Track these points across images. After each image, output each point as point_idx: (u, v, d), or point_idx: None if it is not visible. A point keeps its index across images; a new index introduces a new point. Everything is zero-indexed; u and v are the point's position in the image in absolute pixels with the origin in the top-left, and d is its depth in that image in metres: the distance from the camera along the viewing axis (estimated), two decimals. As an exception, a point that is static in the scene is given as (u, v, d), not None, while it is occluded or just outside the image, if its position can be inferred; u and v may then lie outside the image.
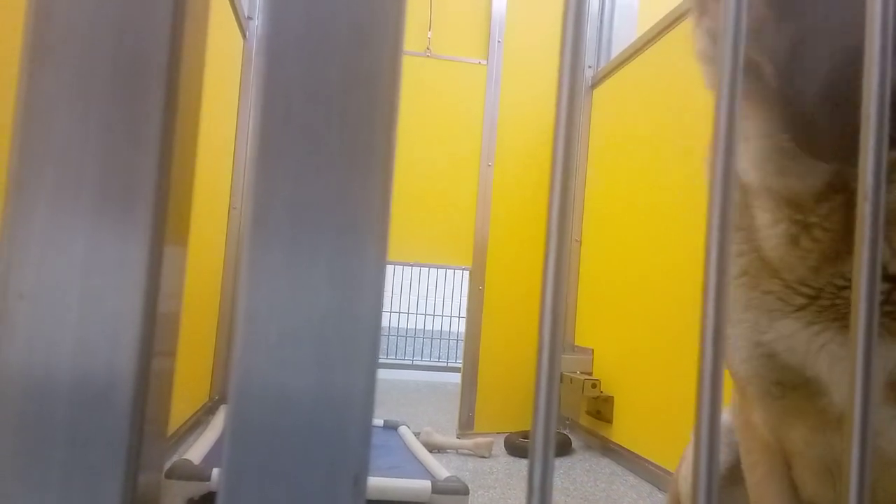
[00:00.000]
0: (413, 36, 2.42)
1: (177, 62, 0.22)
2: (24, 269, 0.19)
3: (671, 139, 1.91)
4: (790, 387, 0.66)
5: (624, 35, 2.52)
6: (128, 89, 0.20)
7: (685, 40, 1.88)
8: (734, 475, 0.89)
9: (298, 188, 0.20)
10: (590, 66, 2.58)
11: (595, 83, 2.54)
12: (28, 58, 0.19)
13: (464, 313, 2.47)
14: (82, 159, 0.20)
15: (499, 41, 2.45)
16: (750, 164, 0.64)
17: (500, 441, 2.17)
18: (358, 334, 0.20)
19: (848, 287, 0.61)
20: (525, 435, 2.17)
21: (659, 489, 1.77)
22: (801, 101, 0.53)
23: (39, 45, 0.19)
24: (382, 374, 3.97)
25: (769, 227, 0.63)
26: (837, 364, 0.61)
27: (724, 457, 0.89)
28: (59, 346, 0.20)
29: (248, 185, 0.21)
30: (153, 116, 0.21)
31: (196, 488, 1.32)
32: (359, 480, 0.19)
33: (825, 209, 0.60)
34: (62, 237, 0.20)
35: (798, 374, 0.64)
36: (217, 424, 1.82)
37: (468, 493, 1.44)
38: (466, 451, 2.08)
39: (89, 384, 0.21)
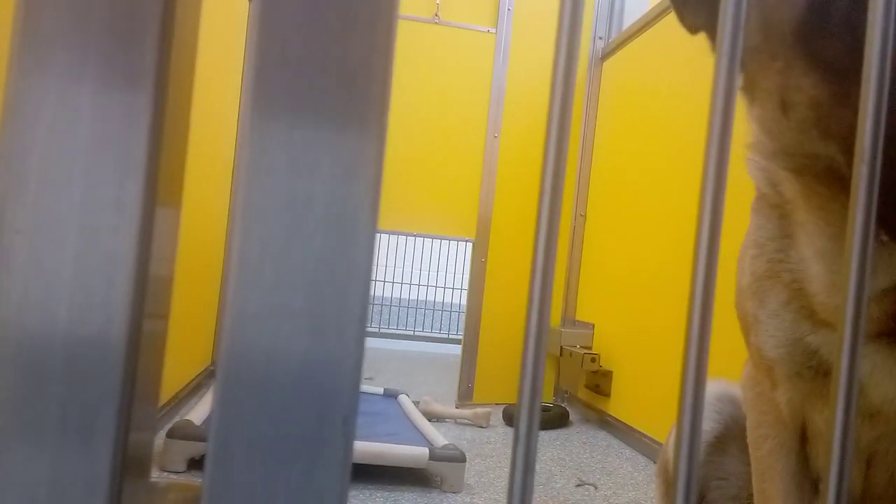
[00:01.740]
0: (421, 1, 2.38)
1: (172, 4, 0.22)
2: (22, 205, 0.19)
3: (681, 114, 1.89)
4: (822, 373, 0.66)
5: (636, 6, 2.48)
6: (126, 27, 0.20)
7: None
8: (723, 444, 0.90)
9: (294, 133, 0.20)
10: (600, 38, 2.55)
11: (605, 55, 2.51)
12: (24, -7, 0.19)
13: (466, 285, 2.48)
14: (78, 99, 0.20)
15: (508, 9, 2.42)
16: (814, 260, 0.63)
17: (499, 412, 2.20)
18: (350, 280, 0.20)
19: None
20: (523, 406, 2.20)
21: (654, 462, 1.79)
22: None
23: (35, -21, 0.19)
24: (384, 343, 4.00)
25: (824, 295, 0.63)
26: (879, 371, 0.61)
27: (712, 424, 0.90)
28: (56, 281, 0.20)
29: (243, 128, 0.21)
30: (149, 58, 0.21)
31: (197, 448, 1.35)
32: (347, 421, 0.20)
33: (880, 294, 0.59)
34: (60, 173, 0.20)
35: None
36: (219, 387, 1.84)
37: (465, 461, 1.46)
38: (465, 421, 2.10)
39: (85, 324, 0.21)
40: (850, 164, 0.55)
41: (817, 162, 0.57)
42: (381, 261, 4.07)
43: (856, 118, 0.53)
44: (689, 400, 0.26)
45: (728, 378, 0.96)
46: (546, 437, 2.03)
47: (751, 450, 0.77)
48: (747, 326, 0.73)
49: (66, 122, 0.19)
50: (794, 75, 0.54)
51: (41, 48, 0.19)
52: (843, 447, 0.25)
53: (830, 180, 0.57)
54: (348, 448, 0.20)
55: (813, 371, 0.67)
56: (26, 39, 0.19)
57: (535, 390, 0.21)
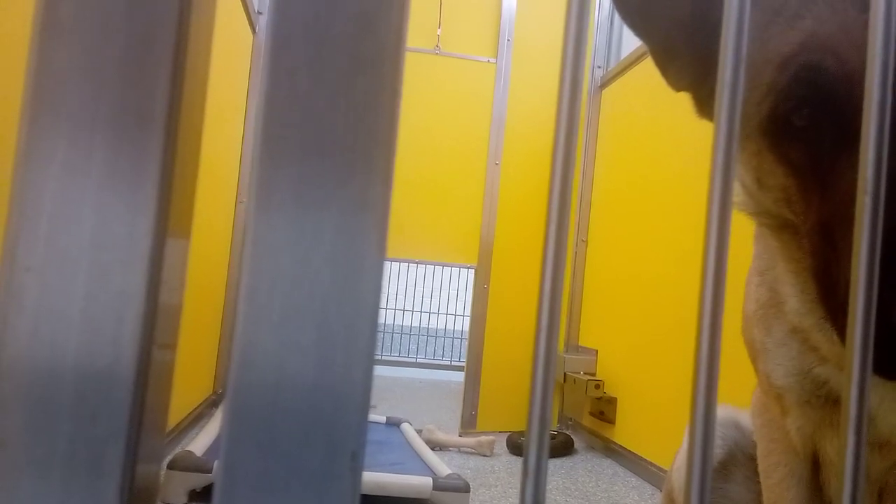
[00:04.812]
0: (423, 33, 2.42)
1: (184, 45, 0.22)
2: (33, 243, 0.20)
3: (679, 141, 1.91)
4: (832, 401, 0.66)
5: (634, 36, 2.51)
6: (138, 67, 0.20)
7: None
8: (727, 470, 0.89)
9: (303, 169, 0.21)
10: (599, 67, 2.58)
11: (604, 83, 2.54)
12: (39, 33, 0.19)
13: (468, 312, 2.48)
14: (91, 139, 0.20)
15: (508, 39, 2.45)
16: (802, 313, 0.64)
17: (503, 440, 2.17)
18: (358, 314, 0.21)
19: None
20: (527, 434, 2.17)
21: (660, 490, 1.77)
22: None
23: (51, 20, 0.19)
24: (386, 371, 3.97)
25: (827, 347, 0.64)
26: (887, 401, 0.61)
27: (716, 451, 0.89)
28: (65, 319, 0.20)
29: (253, 164, 0.21)
30: (161, 97, 0.21)
31: (198, 480, 1.33)
32: (356, 457, 0.20)
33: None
34: (71, 212, 0.20)
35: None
36: (220, 417, 1.83)
37: (469, 491, 1.45)
38: (468, 450, 2.08)
39: (94, 361, 0.21)
40: (810, 244, 0.56)
41: (793, 225, 0.61)
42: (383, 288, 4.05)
43: (823, 207, 0.54)
44: (699, 427, 0.26)
45: (733, 404, 0.96)
46: (551, 466, 2.01)
47: (762, 478, 0.76)
48: (755, 353, 0.73)
49: (79, 162, 0.20)
50: (766, 162, 0.58)
51: (54, 90, 0.19)
52: (855, 479, 0.24)
53: (802, 242, 0.60)
54: (356, 483, 0.20)
55: (822, 400, 0.67)
56: (40, 81, 0.19)
57: (543, 424, 0.21)
